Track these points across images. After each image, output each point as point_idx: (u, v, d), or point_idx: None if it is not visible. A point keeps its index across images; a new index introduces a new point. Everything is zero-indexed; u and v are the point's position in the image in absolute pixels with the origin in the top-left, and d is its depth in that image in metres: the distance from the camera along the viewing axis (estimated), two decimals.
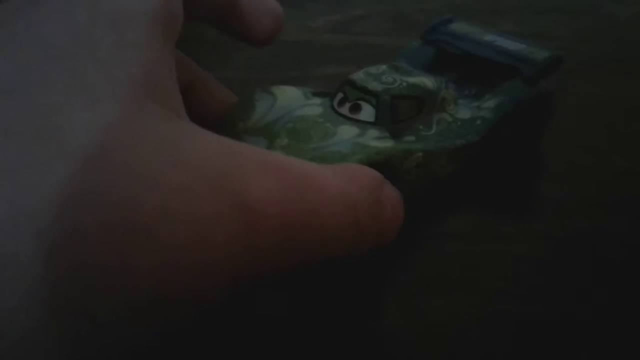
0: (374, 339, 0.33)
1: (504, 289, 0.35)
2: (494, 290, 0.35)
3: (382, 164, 0.35)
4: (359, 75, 0.40)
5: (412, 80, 0.39)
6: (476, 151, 0.41)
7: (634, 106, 0.52)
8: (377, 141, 0.36)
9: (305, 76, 0.57)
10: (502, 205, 0.41)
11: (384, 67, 0.41)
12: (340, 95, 0.39)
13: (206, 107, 0.39)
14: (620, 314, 0.34)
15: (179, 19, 0.27)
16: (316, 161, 0.34)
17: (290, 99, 0.40)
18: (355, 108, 0.38)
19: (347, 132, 0.37)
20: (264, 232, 0.23)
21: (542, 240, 0.38)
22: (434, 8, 0.69)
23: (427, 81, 0.40)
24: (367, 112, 0.38)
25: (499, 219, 0.40)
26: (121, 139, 0.21)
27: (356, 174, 0.28)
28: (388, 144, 0.36)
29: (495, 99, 0.42)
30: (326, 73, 0.57)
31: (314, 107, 0.39)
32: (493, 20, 0.66)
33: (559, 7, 0.70)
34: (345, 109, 0.38)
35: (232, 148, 0.24)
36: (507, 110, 0.42)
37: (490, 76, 0.45)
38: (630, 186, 0.43)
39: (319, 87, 0.44)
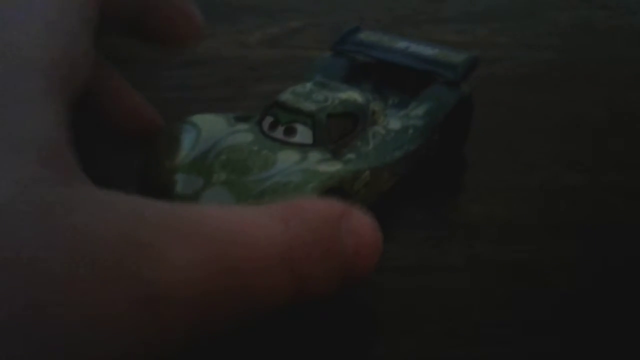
0: None
1: (453, 330, 0.33)
2: (445, 331, 0.33)
3: (335, 189, 0.34)
4: (287, 96, 0.38)
5: (343, 96, 0.38)
6: (414, 160, 0.40)
7: (577, 115, 0.51)
8: (324, 165, 0.35)
9: (240, 95, 0.54)
10: (446, 230, 0.39)
11: (309, 85, 0.39)
12: (269, 118, 0.37)
13: (115, 112, 0.36)
14: (587, 346, 0.32)
15: (83, 67, 0.23)
16: (267, 195, 0.33)
17: (215, 128, 0.37)
18: (290, 131, 0.36)
19: (287, 158, 0.35)
20: (177, 318, 0.20)
21: (487, 269, 0.36)
22: (372, 18, 0.67)
23: (356, 96, 0.39)
24: (303, 134, 0.36)
25: (444, 247, 0.38)
26: (1, 218, 0.18)
27: (301, 212, 0.25)
28: (337, 166, 0.35)
29: (423, 106, 0.42)
30: (263, 90, 0.54)
31: (243, 134, 0.37)
32: (433, 30, 0.65)
33: (499, 15, 0.69)
34: (278, 133, 0.36)
35: (135, 215, 0.21)
36: (436, 115, 0.42)
37: (405, 83, 0.45)
38: (577, 204, 0.42)
39: (256, 106, 0.41)
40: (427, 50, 0.45)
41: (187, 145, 0.36)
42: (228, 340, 0.31)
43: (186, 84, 0.54)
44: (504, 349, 0.32)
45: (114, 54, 0.53)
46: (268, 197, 0.33)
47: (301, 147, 0.36)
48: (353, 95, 0.39)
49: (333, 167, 0.35)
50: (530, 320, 0.33)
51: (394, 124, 0.40)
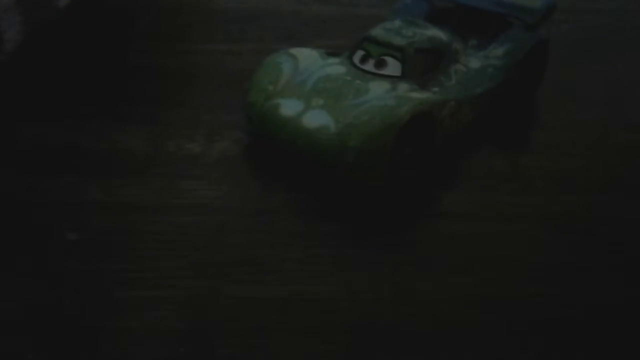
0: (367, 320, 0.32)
1: (501, 270, 0.35)
2: (491, 272, 0.34)
3: (425, 114, 0.37)
4: (378, 32, 0.41)
5: (430, 33, 0.42)
6: (492, 98, 0.43)
7: (633, 78, 0.51)
8: (414, 92, 0.39)
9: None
10: (500, 181, 0.41)
11: (398, 22, 0.42)
12: (361, 52, 0.41)
13: None
14: (630, 301, 0.33)
15: None
16: (362, 117, 0.37)
17: (311, 60, 0.42)
18: (381, 63, 0.40)
19: (379, 87, 0.39)
20: None
21: (538, 219, 0.38)
22: None
23: (441, 34, 0.42)
24: (393, 67, 0.40)
25: (497, 196, 0.39)
26: None
27: None
28: (426, 94, 0.39)
29: (502, 47, 0.45)
30: (318, 45, 0.55)
31: (336, 67, 0.41)
32: None
33: None
34: (369, 66, 0.40)
35: None
36: (515, 56, 0.44)
37: (483, 27, 0.47)
38: (630, 161, 0.43)
39: None
40: None
41: (288, 73, 0.40)
42: None
43: (245, 37, 0.56)
44: (554, 290, 0.34)
45: (173, 6, 0.54)
46: (365, 117, 0.36)
47: (391, 78, 0.39)
48: (438, 33, 0.42)
49: (424, 95, 0.38)
50: (578, 265, 0.35)
51: (475, 63, 0.43)
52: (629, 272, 0.35)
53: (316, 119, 0.38)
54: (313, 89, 0.39)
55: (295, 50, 0.42)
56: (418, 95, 0.38)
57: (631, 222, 0.38)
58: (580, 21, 0.60)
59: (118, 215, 0.38)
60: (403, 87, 0.39)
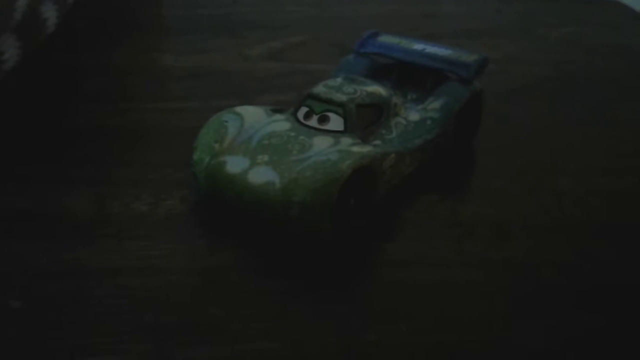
0: None
1: (447, 318, 0.35)
2: (438, 320, 0.35)
3: (366, 167, 0.38)
4: (320, 89, 0.43)
5: (370, 89, 0.43)
6: (431, 148, 0.45)
7: (565, 124, 0.54)
8: (356, 147, 0.39)
9: (243, 105, 0.56)
10: (443, 228, 0.42)
11: (339, 79, 0.44)
12: (304, 109, 0.42)
13: None
14: (572, 344, 0.34)
15: None
16: (306, 172, 0.37)
17: (256, 117, 0.42)
18: (324, 119, 0.41)
19: (322, 142, 0.40)
20: None
21: (481, 266, 0.39)
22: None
23: (381, 89, 0.44)
24: (335, 122, 0.41)
25: (438, 244, 0.40)
26: None
27: None
28: (367, 148, 0.40)
29: (439, 101, 0.46)
30: (266, 100, 0.56)
31: (281, 123, 0.42)
32: None
33: (490, 31, 0.71)
34: (313, 122, 0.41)
35: None
36: (451, 109, 0.46)
37: (422, 81, 0.49)
38: (568, 207, 0.44)
39: None
40: (442, 51, 0.49)
41: (233, 131, 0.41)
42: None
43: (193, 95, 0.57)
44: (500, 336, 0.34)
45: (121, 66, 0.55)
46: (309, 173, 0.37)
47: (334, 133, 0.40)
48: (378, 89, 0.43)
49: (365, 149, 0.39)
50: (517, 310, 0.36)
51: (413, 116, 0.45)
52: (570, 316, 0.36)
53: (262, 175, 0.38)
54: (259, 146, 0.40)
55: (241, 108, 0.43)
56: (360, 149, 0.39)
57: (571, 266, 0.39)
58: (514, 71, 0.63)
59: (63, 280, 0.37)
60: (345, 141, 0.40)
